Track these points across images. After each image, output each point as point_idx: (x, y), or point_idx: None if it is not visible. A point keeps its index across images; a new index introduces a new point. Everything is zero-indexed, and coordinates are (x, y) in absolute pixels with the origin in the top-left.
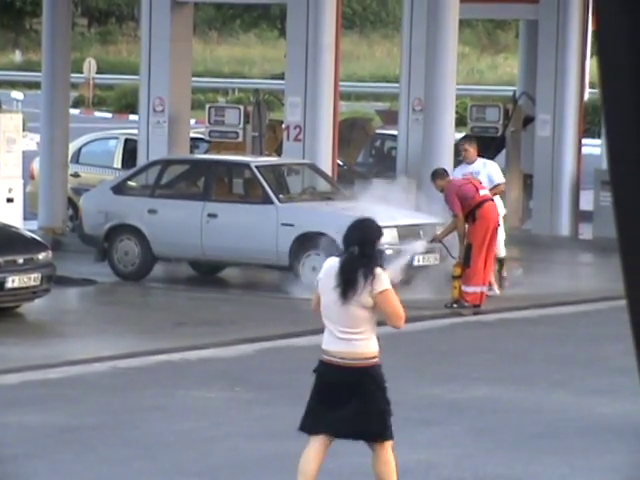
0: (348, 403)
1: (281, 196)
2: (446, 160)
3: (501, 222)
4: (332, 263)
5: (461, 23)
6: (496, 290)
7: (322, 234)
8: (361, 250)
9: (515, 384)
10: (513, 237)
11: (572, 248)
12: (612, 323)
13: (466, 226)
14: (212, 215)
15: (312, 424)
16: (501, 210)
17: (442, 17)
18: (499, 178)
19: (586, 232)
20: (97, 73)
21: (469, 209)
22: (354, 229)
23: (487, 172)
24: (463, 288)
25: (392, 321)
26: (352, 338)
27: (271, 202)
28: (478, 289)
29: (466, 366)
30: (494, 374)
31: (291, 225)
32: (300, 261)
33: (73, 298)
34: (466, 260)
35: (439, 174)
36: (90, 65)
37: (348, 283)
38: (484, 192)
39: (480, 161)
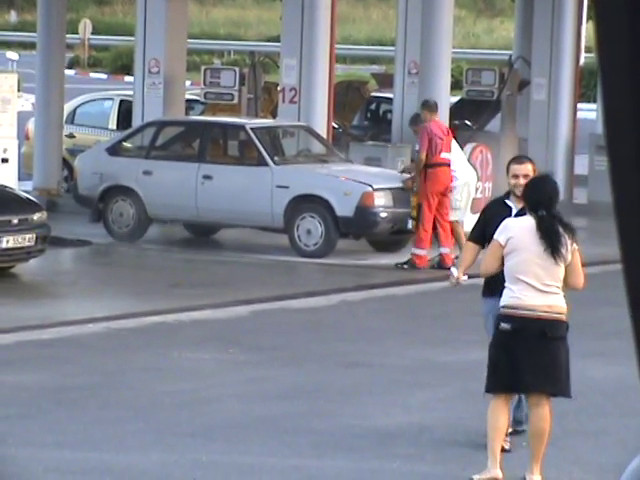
0: (548, 356)
1: (276, 158)
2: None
3: (462, 187)
4: (522, 222)
5: None
6: None
7: (317, 196)
8: (553, 208)
9: None
10: None
11: (567, 212)
12: (607, 287)
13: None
14: (207, 177)
15: (509, 384)
16: (464, 175)
17: None
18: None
19: (581, 196)
20: (92, 34)
21: (426, 162)
22: (538, 189)
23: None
24: (412, 250)
25: (579, 278)
26: (555, 292)
27: (266, 164)
28: (424, 252)
29: (459, 329)
30: (487, 337)
31: (286, 187)
32: (295, 223)
33: (68, 259)
34: (418, 221)
35: (429, 105)
36: (85, 26)
37: (560, 242)
38: (445, 155)
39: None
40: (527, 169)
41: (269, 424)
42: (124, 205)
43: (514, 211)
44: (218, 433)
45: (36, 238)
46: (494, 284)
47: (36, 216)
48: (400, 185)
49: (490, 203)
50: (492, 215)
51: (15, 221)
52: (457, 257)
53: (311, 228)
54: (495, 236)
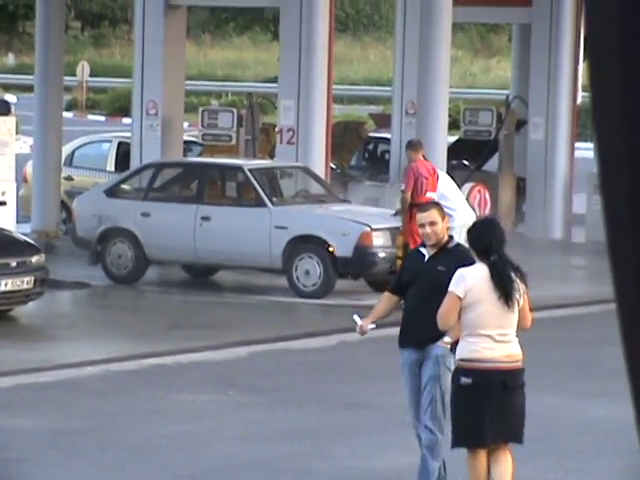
0: (510, 406)
1: (274, 199)
2: (439, 163)
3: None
4: (477, 272)
5: (454, 26)
6: None
7: (315, 237)
8: (502, 252)
9: None
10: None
11: (565, 251)
12: (605, 326)
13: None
14: (205, 218)
15: (478, 437)
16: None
17: (435, 20)
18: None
19: (579, 235)
20: (90, 76)
21: (411, 201)
22: (488, 232)
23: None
24: None
25: (527, 321)
26: (511, 340)
27: (264, 205)
28: None
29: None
30: None
31: (284, 228)
32: (293, 264)
33: (66, 301)
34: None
35: (413, 145)
36: (83, 68)
37: (513, 288)
38: (430, 195)
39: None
40: (433, 216)
41: (269, 466)
42: (122, 247)
43: (426, 258)
44: (218, 475)
45: (34, 281)
46: (407, 335)
47: (34, 259)
48: (398, 225)
49: (410, 252)
50: (408, 264)
51: (13, 264)
52: None
53: (309, 268)
54: (451, 288)
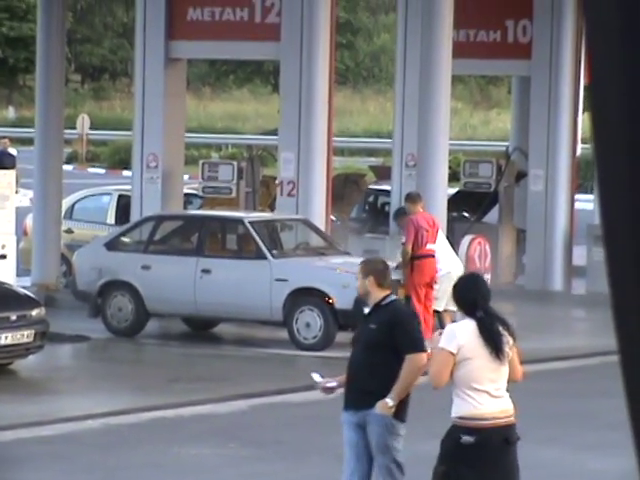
0: (510, 463)
1: (274, 251)
2: (439, 215)
3: (444, 277)
4: (467, 327)
5: (453, 78)
6: None
7: (316, 289)
8: (488, 307)
9: None
10: (506, 292)
11: (565, 303)
12: (604, 378)
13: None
14: (206, 271)
15: None
16: (447, 266)
17: (434, 73)
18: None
19: (579, 287)
20: (90, 129)
21: (412, 254)
22: (472, 289)
23: None
24: None
25: (518, 373)
26: (504, 394)
27: (265, 257)
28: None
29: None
30: None
31: (285, 280)
32: (294, 316)
33: (66, 355)
34: None
35: (412, 197)
36: (83, 121)
37: (503, 342)
38: (431, 247)
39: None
40: (358, 272)
41: None
42: (123, 300)
43: (367, 311)
44: None
45: (34, 334)
46: (346, 396)
47: (34, 312)
48: (398, 278)
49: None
50: (360, 320)
51: (13, 317)
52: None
53: (310, 321)
54: (442, 345)
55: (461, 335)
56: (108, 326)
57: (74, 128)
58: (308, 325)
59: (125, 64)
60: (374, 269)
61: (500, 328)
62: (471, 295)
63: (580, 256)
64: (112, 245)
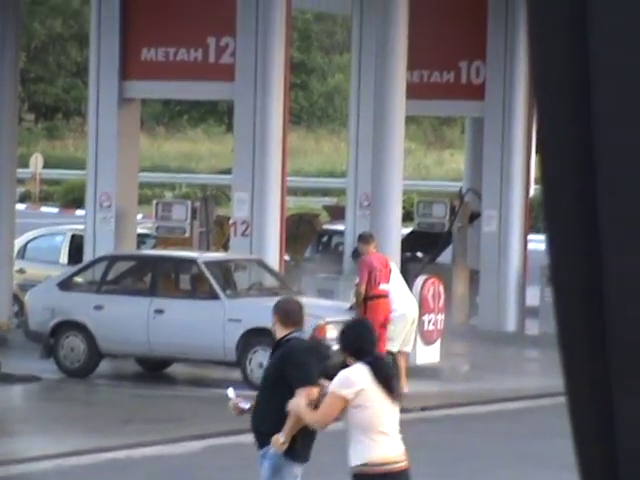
0: None
1: (228, 292)
2: (393, 255)
3: (399, 317)
4: (362, 372)
5: (407, 119)
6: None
7: (269, 330)
8: (375, 352)
9: None
10: (459, 332)
11: (518, 344)
12: (557, 419)
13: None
14: (159, 311)
15: None
16: (402, 307)
17: (388, 113)
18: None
19: (532, 328)
20: (44, 168)
21: (365, 294)
22: (359, 335)
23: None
24: None
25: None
26: (399, 437)
27: (218, 298)
28: None
29: (413, 462)
30: (439, 470)
31: (238, 321)
32: (247, 357)
33: (18, 395)
34: None
35: (365, 238)
36: (37, 160)
37: (397, 384)
38: (384, 287)
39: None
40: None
41: None
42: (75, 340)
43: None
44: None
45: None
46: (253, 432)
47: None
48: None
49: None
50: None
51: None
52: None
53: (263, 361)
54: (336, 390)
55: (360, 380)
56: (60, 366)
57: (27, 167)
58: (261, 365)
59: (79, 103)
60: (279, 308)
61: (392, 371)
62: (358, 342)
63: (533, 296)
64: (65, 285)
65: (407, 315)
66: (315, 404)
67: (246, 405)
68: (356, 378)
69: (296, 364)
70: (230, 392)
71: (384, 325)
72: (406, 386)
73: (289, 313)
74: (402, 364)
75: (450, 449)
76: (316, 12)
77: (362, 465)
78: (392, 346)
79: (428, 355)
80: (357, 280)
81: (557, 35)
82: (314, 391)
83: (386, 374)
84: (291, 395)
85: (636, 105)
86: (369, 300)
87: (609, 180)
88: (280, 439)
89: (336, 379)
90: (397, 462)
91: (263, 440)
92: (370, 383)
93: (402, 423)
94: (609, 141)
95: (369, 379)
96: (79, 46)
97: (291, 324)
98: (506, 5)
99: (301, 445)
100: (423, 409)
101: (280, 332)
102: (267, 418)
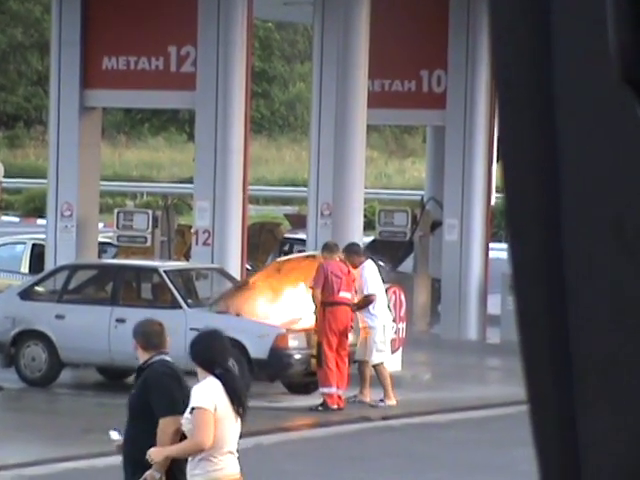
0: None
1: (190, 301)
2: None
3: (378, 329)
4: (215, 386)
5: (368, 128)
6: (387, 402)
7: (231, 339)
8: (227, 365)
9: None
10: (421, 341)
11: (480, 352)
12: (520, 427)
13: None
14: (120, 320)
15: None
16: (383, 317)
17: (350, 122)
18: (369, 289)
19: (494, 336)
20: (4, 177)
21: (324, 300)
22: (210, 346)
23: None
24: (320, 389)
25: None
26: (236, 455)
27: (180, 307)
28: (333, 390)
29: (375, 471)
30: (403, 479)
31: (199, 330)
32: None
33: None
34: (318, 361)
35: (329, 248)
36: None
37: (246, 399)
38: (344, 295)
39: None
40: None
41: None
42: (36, 349)
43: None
44: None
45: None
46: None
47: None
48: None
49: None
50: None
51: None
52: (381, 400)
53: None
54: (200, 404)
55: (213, 394)
56: (21, 376)
57: None
58: None
59: (40, 112)
60: (139, 332)
61: (240, 384)
62: (209, 353)
63: (495, 305)
64: (26, 294)
65: (386, 325)
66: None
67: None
68: (211, 392)
69: (157, 393)
70: (114, 435)
71: (344, 333)
72: (395, 396)
73: (149, 336)
74: (386, 373)
75: (412, 458)
76: (277, 21)
77: None
78: (381, 357)
79: (390, 364)
80: (312, 283)
81: (520, 35)
82: (178, 420)
83: (235, 388)
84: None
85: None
86: (328, 306)
87: (573, 189)
88: (155, 476)
89: (195, 395)
90: None
91: (137, 474)
92: (222, 397)
93: (364, 432)
94: (572, 151)
95: (221, 393)
96: (40, 55)
97: (152, 348)
98: (467, 14)
99: (179, 475)
100: (385, 418)
101: (142, 357)
102: (140, 451)
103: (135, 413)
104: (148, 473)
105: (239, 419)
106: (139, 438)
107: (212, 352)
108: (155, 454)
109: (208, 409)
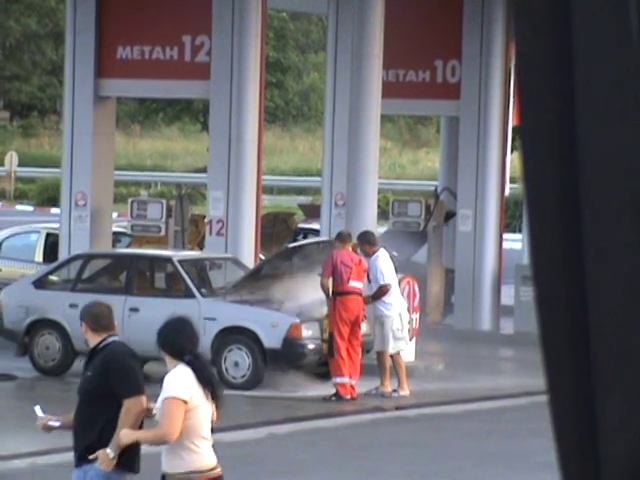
0: None
1: (203, 290)
2: None
3: (394, 317)
4: (187, 374)
5: (382, 118)
6: (400, 392)
7: (244, 328)
8: (196, 352)
9: (436, 479)
10: (435, 331)
11: (493, 343)
12: (533, 418)
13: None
14: (134, 309)
15: None
16: (399, 306)
17: (364, 112)
18: (384, 278)
19: (507, 327)
20: (19, 166)
21: (335, 290)
22: (179, 333)
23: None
24: (333, 379)
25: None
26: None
27: (193, 296)
28: (345, 379)
29: (387, 461)
30: (415, 469)
31: (213, 319)
32: (222, 355)
33: None
34: (330, 350)
35: (342, 237)
36: (12, 158)
37: (218, 387)
38: (354, 284)
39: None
40: None
41: None
42: (50, 339)
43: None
44: None
45: None
46: (73, 452)
47: None
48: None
49: None
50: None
51: None
52: (395, 390)
53: (239, 360)
54: (173, 394)
55: (188, 382)
56: (35, 365)
57: (2, 165)
58: (237, 364)
59: (54, 102)
60: (86, 313)
61: (211, 371)
62: (179, 340)
63: (508, 296)
64: (40, 283)
65: (402, 313)
66: (146, 413)
67: (56, 423)
68: (186, 381)
69: (120, 374)
70: (38, 410)
71: (356, 323)
72: (408, 386)
73: (98, 317)
74: (402, 363)
75: (425, 449)
76: (292, 11)
77: (187, 473)
78: (399, 346)
79: (403, 354)
80: (320, 271)
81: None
82: (143, 400)
83: (206, 374)
84: (117, 406)
85: (621, 104)
86: (338, 296)
87: (592, 179)
88: (110, 454)
89: (169, 384)
90: (217, 468)
91: (83, 458)
92: (196, 385)
93: (377, 422)
94: (593, 141)
95: (194, 380)
96: (54, 44)
97: (102, 329)
98: (482, 4)
99: (133, 455)
100: (398, 408)
101: (93, 339)
102: (94, 434)
103: (90, 396)
104: (101, 450)
105: (214, 405)
106: (94, 420)
107: (181, 340)
108: (125, 435)
109: (181, 400)
